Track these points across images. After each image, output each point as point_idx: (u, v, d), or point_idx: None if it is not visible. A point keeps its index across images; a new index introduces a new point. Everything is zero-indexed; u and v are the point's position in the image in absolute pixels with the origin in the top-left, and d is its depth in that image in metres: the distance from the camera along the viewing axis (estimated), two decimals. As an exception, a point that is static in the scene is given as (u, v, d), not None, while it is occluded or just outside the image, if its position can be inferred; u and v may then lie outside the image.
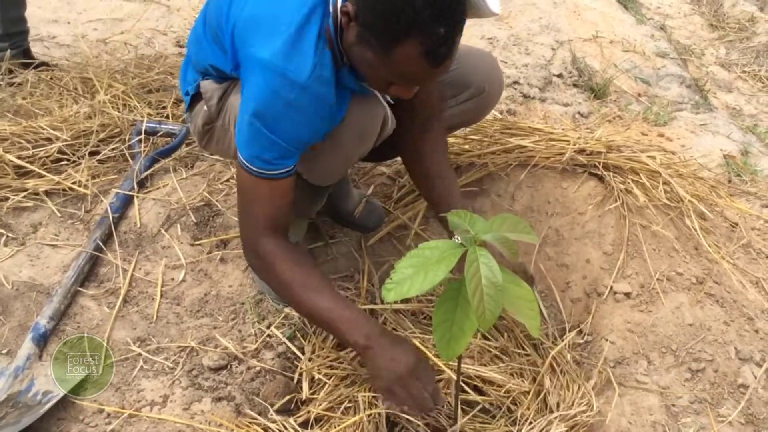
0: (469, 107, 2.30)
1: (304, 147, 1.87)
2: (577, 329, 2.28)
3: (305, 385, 2.03)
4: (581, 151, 2.58)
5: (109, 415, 1.96)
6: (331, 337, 2.13)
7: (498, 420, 2.02)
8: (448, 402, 1.99)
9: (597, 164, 2.53)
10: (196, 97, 2.17)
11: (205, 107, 2.12)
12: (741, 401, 2.10)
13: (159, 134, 2.87)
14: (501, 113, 3.28)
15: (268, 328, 2.21)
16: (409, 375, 1.88)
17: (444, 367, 2.08)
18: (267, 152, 1.82)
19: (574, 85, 3.71)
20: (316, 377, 2.05)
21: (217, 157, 2.72)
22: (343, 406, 1.97)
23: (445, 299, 1.69)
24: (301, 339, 2.17)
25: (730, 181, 2.92)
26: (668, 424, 2.01)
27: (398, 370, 1.87)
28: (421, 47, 1.62)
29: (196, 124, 2.18)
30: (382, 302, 2.25)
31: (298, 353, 2.12)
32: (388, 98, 2.05)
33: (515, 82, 3.61)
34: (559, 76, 3.78)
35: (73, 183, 2.59)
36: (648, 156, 2.56)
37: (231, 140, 2.09)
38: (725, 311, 2.28)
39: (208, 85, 2.09)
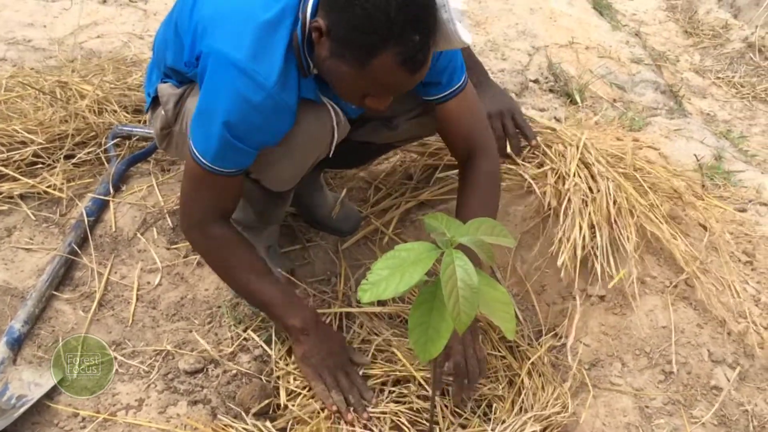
0: (425, 120, 2.24)
1: (263, 148, 1.88)
2: (553, 332, 2.29)
3: (282, 392, 2.03)
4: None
5: (84, 419, 1.95)
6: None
7: (473, 420, 2.02)
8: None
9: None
10: (155, 100, 2.17)
11: (162, 111, 2.11)
12: (714, 403, 2.12)
13: (135, 138, 2.86)
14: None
15: (244, 331, 2.21)
16: (341, 366, 2.04)
17: (415, 373, 2.09)
18: (228, 155, 1.84)
19: (551, 91, 3.73)
20: (293, 382, 2.05)
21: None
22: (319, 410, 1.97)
23: (421, 302, 1.69)
24: (279, 343, 2.17)
25: (704, 186, 2.95)
26: (642, 425, 2.03)
27: (330, 358, 2.03)
28: (397, 57, 1.63)
29: (155, 126, 2.19)
30: (359, 304, 2.26)
31: (275, 356, 2.12)
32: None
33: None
34: (536, 81, 3.79)
35: (48, 186, 2.58)
36: (620, 159, 2.59)
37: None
38: (698, 314, 2.31)
39: (166, 89, 2.09)
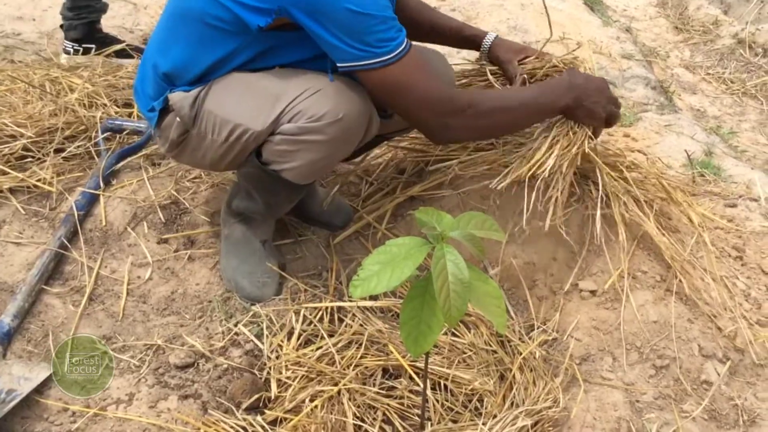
0: None
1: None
2: (544, 327, 2.30)
3: (273, 384, 2.03)
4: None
5: (74, 413, 1.94)
6: (296, 335, 2.14)
7: (464, 415, 2.02)
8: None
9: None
10: (163, 112, 2.13)
11: (177, 118, 2.08)
12: (704, 397, 2.13)
13: (125, 132, 2.85)
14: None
15: (235, 326, 2.20)
16: (608, 94, 2.23)
17: (408, 368, 2.09)
18: (391, 27, 1.88)
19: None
20: (284, 375, 2.05)
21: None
22: (312, 404, 1.97)
23: (412, 296, 1.69)
24: (270, 337, 2.16)
25: (694, 181, 2.96)
26: (632, 419, 2.03)
27: (602, 96, 2.21)
28: None
29: (168, 137, 2.14)
30: (351, 298, 2.26)
31: (266, 351, 2.12)
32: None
33: (483, 82, 3.62)
34: (528, 77, 3.79)
35: (38, 180, 2.57)
36: (613, 156, 2.59)
37: (208, 148, 2.09)
38: (689, 309, 2.31)
39: (176, 96, 2.06)
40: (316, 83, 1.97)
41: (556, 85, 2.18)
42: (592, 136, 2.25)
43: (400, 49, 1.89)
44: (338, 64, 1.92)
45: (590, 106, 2.18)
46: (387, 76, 1.91)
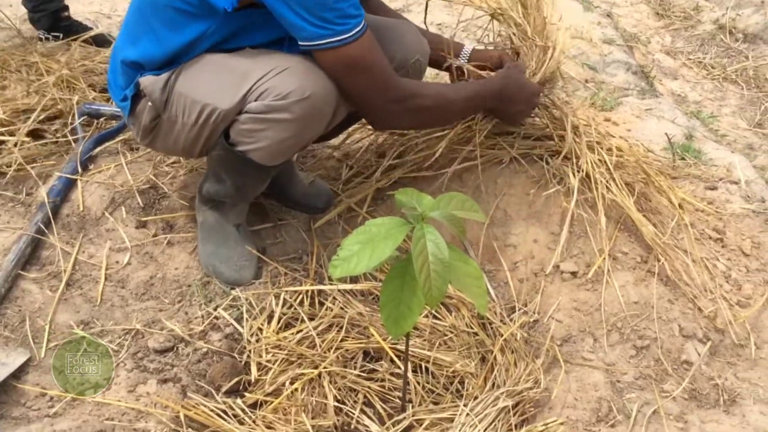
0: None
1: None
2: (525, 308, 2.29)
3: (253, 367, 2.02)
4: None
5: (51, 398, 1.93)
6: (276, 318, 2.13)
7: (445, 396, 2.02)
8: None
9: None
10: (136, 98, 2.11)
11: (149, 103, 2.07)
12: (685, 377, 2.13)
13: (103, 117, 2.82)
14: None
15: (215, 310, 2.18)
16: (538, 96, 2.40)
17: (389, 351, 2.09)
18: (343, 6, 1.85)
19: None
20: (264, 358, 2.03)
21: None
22: (292, 387, 1.96)
23: (392, 277, 1.68)
24: (250, 321, 2.15)
25: (674, 164, 2.96)
26: (613, 399, 2.03)
27: (534, 99, 2.39)
28: None
29: (141, 123, 2.12)
30: (331, 281, 2.25)
31: (246, 334, 2.10)
32: None
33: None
34: (510, 62, 3.78)
35: (13, 165, 2.53)
36: (595, 139, 2.58)
37: (179, 132, 2.07)
38: (669, 290, 2.32)
39: (147, 80, 2.04)
40: (284, 62, 1.95)
41: (489, 90, 2.26)
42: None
43: (359, 28, 1.88)
44: (300, 43, 1.90)
45: (513, 114, 2.40)
46: (343, 55, 1.90)
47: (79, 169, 2.53)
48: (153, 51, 2.03)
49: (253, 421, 1.87)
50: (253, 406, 1.94)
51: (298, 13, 1.82)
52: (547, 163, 2.50)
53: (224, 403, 1.91)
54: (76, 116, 2.76)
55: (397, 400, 2.01)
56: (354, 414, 1.97)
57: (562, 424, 1.94)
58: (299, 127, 1.97)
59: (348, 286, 2.25)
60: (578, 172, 2.41)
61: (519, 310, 2.30)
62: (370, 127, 2.60)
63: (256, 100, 1.93)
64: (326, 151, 2.76)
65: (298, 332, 2.11)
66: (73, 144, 2.67)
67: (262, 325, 2.12)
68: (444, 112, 2.22)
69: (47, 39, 3.32)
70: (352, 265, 1.57)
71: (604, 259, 2.31)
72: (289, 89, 1.90)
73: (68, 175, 2.49)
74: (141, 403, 1.91)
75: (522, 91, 2.31)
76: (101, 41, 3.36)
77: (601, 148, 2.51)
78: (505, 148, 2.53)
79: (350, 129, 2.64)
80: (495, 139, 2.56)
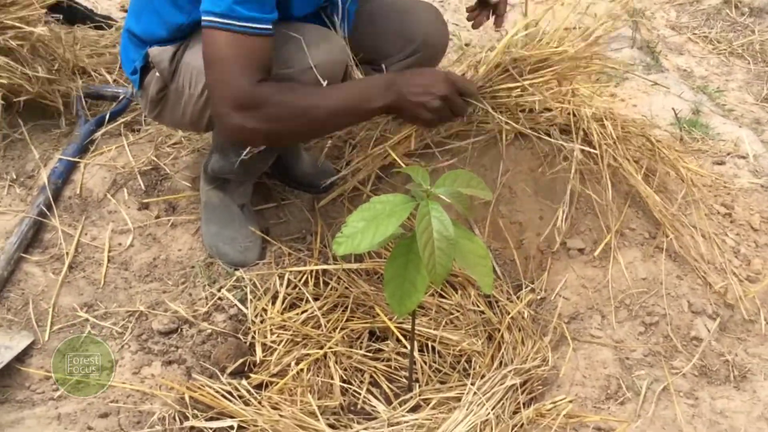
0: (413, 62, 2.26)
1: None
2: (532, 286, 2.27)
3: (258, 348, 2.00)
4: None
5: (56, 381, 1.91)
6: (281, 299, 2.11)
7: (452, 375, 2.00)
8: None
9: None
10: (145, 70, 2.09)
11: (157, 73, 2.04)
12: (694, 353, 2.11)
13: (105, 98, 2.79)
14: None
15: (219, 291, 2.17)
16: (445, 81, 1.90)
17: (395, 330, 2.07)
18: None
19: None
20: (269, 339, 2.02)
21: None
22: (297, 368, 1.95)
23: (396, 255, 1.67)
24: (254, 301, 2.13)
25: (682, 139, 2.93)
26: (622, 377, 2.01)
27: (435, 84, 1.88)
28: None
29: (149, 94, 2.09)
30: (335, 261, 2.22)
31: (250, 315, 2.08)
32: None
33: (467, 44, 3.58)
34: (512, 38, 3.75)
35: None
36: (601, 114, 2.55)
37: (186, 104, 2.04)
38: (678, 266, 2.29)
39: (156, 50, 2.02)
40: (293, 31, 1.91)
41: (372, 84, 1.92)
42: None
43: (237, 22, 1.73)
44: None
45: (412, 107, 1.89)
46: (207, 35, 1.77)
47: (80, 152, 2.51)
48: (155, 28, 2.01)
49: (259, 402, 1.85)
50: (259, 387, 1.93)
51: None
52: (553, 138, 2.46)
53: (229, 384, 1.90)
54: (78, 99, 2.73)
55: (404, 380, 2.00)
56: (360, 394, 1.96)
57: (570, 402, 1.92)
58: None
59: (353, 266, 2.22)
60: (584, 145, 2.38)
61: (526, 287, 2.28)
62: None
63: None
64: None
65: (302, 312, 2.10)
66: (74, 126, 2.65)
67: (266, 305, 2.11)
68: (313, 122, 1.88)
69: (47, 21, 3.28)
70: (356, 243, 1.56)
71: (614, 235, 2.29)
72: (296, 58, 1.86)
73: (70, 158, 2.47)
74: (146, 385, 1.90)
75: (418, 77, 1.91)
76: (100, 24, 3.33)
77: (609, 123, 2.47)
78: (509, 124, 2.49)
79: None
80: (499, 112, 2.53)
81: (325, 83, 1.87)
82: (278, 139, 1.99)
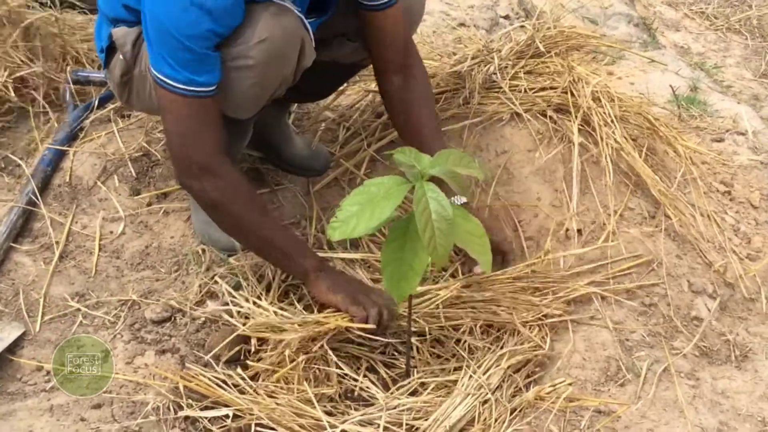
0: None
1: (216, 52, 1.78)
2: (530, 268, 2.24)
3: (253, 339, 1.97)
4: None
5: (48, 372, 1.89)
6: (275, 286, 2.08)
7: (451, 361, 1.97)
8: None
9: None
10: (110, 50, 2.05)
11: (121, 56, 2.00)
12: (695, 334, 2.09)
13: (94, 84, 2.75)
14: (448, 56, 3.20)
15: (212, 278, 2.13)
16: (364, 286, 1.99)
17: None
18: (190, 63, 1.74)
19: (521, 27, 3.64)
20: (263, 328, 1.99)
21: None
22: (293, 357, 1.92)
23: (393, 238, 1.64)
24: (248, 289, 2.10)
25: (680, 117, 2.90)
26: (622, 358, 1.99)
27: (355, 282, 1.98)
28: None
29: (114, 77, 2.06)
30: (330, 246, 2.19)
31: (243, 302, 2.05)
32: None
33: (461, 24, 3.54)
34: (506, 17, 3.71)
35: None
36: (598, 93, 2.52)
37: (151, 89, 1.98)
38: (677, 245, 2.27)
39: (120, 32, 1.98)
40: (247, 9, 1.85)
41: (301, 259, 1.96)
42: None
43: (187, 87, 1.76)
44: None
45: (335, 286, 1.94)
46: (161, 95, 1.81)
47: (70, 138, 2.48)
48: (116, 4, 1.97)
49: (254, 391, 1.82)
50: (254, 375, 1.90)
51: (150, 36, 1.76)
52: (550, 118, 2.43)
53: (224, 372, 1.87)
54: (66, 84, 2.68)
55: (402, 366, 1.97)
56: (358, 380, 1.93)
57: (570, 384, 1.90)
58: (262, 72, 1.87)
59: (349, 255, 2.19)
60: (581, 125, 2.35)
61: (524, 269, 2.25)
62: (364, 86, 2.55)
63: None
64: (323, 114, 2.69)
65: (299, 300, 2.06)
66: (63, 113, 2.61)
67: (260, 294, 2.07)
68: (234, 232, 1.99)
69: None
70: (351, 227, 1.53)
71: (615, 215, 2.26)
72: (248, 33, 1.81)
73: (58, 147, 2.43)
74: (139, 375, 1.88)
75: (348, 297, 1.91)
76: (90, 8, 3.28)
77: (607, 101, 2.44)
78: (505, 104, 2.46)
79: (344, 88, 2.58)
80: (495, 94, 2.50)
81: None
82: (216, 213, 1.97)
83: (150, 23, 1.74)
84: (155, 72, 1.77)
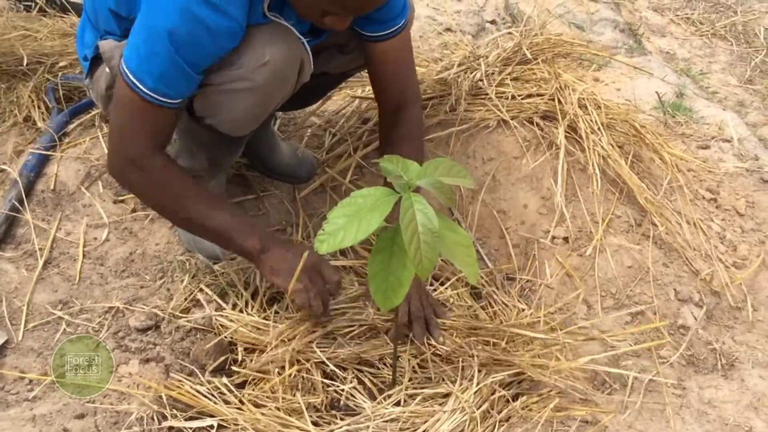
0: None
1: (200, 75, 1.77)
2: (517, 275, 2.24)
3: (239, 348, 1.96)
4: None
5: (30, 381, 1.87)
6: (261, 293, 2.06)
7: (439, 372, 1.96)
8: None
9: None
10: (95, 61, 2.02)
11: (107, 69, 1.97)
12: (682, 342, 2.09)
13: (79, 88, 2.73)
14: (435, 62, 3.20)
15: (197, 286, 2.12)
16: (311, 267, 1.89)
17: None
18: (171, 77, 1.71)
19: (509, 33, 3.64)
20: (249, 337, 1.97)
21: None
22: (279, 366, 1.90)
23: (380, 249, 1.62)
24: (233, 297, 2.08)
25: (666, 124, 2.90)
26: (609, 367, 1.98)
27: (298, 263, 1.86)
28: None
29: (99, 89, 2.03)
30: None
31: (229, 310, 2.03)
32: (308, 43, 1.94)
33: (448, 29, 3.53)
34: (492, 22, 3.71)
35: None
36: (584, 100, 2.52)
37: None
38: (664, 253, 2.27)
39: (108, 45, 1.94)
40: (248, 30, 1.85)
41: (242, 233, 1.89)
42: None
43: (138, 84, 1.72)
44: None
45: (267, 277, 1.94)
46: (119, 88, 1.79)
47: (54, 143, 2.46)
48: (105, 15, 1.94)
49: (240, 401, 1.81)
50: (240, 384, 1.89)
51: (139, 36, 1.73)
52: (537, 125, 2.43)
53: (209, 382, 1.85)
54: (50, 89, 2.66)
55: (389, 377, 1.96)
56: (345, 389, 1.91)
57: (557, 394, 1.90)
58: (263, 94, 1.87)
59: (338, 262, 2.18)
60: (568, 132, 2.35)
61: (510, 277, 2.25)
62: (351, 92, 2.53)
63: (215, 72, 1.84)
64: (310, 120, 2.68)
65: (286, 308, 2.04)
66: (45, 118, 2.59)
67: (247, 301, 2.06)
68: (174, 217, 1.98)
69: (18, 9, 3.20)
70: (339, 239, 1.51)
71: (602, 223, 2.26)
72: (248, 56, 1.81)
73: (41, 152, 2.41)
74: (123, 384, 1.85)
75: (283, 261, 1.90)
76: (78, 9, 3.25)
77: (593, 109, 2.44)
78: (492, 111, 2.46)
79: (331, 93, 2.57)
80: (482, 100, 2.49)
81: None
82: (145, 204, 2.06)
83: (145, 29, 1.70)
84: (125, 66, 1.73)
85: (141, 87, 1.72)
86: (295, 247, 1.96)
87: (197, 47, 1.69)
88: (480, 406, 1.80)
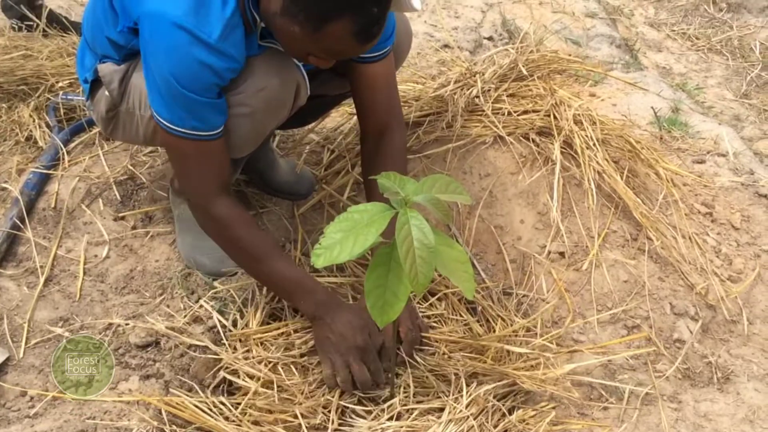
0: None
1: (222, 98, 1.81)
2: (513, 290, 2.25)
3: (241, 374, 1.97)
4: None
5: (32, 398, 1.88)
6: (260, 309, 2.08)
7: (435, 387, 1.97)
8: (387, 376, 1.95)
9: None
10: (95, 84, 2.06)
11: (107, 92, 2.01)
12: (678, 356, 2.10)
13: (77, 107, 2.75)
14: (432, 79, 3.23)
15: (197, 302, 2.13)
16: (354, 351, 1.90)
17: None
18: (196, 112, 1.76)
19: (505, 50, 3.67)
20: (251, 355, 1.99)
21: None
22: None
23: (377, 264, 1.64)
24: (235, 314, 2.10)
25: (661, 139, 2.92)
26: (605, 381, 2.00)
27: (343, 345, 1.90)
28: (353, 26, 1.59)
29: (99, 111, 2.07)
30: (315, 270, 2.19)
31: (230, 326, 2.05)
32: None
33: (445, 46, 3.56)
34: (490, 38, 3.74)
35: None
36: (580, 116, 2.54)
37: (138, 125, 2.03)
38: (660, 267, 2.28)
39: (107, 68, 1.98)
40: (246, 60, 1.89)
41: (306, 295, 1.96)
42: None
43: (190, 131, 1.79)
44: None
45: (320, 346, 1.96)
46: (164, 138, 1.84)
47: (55, 162, 2.48)
48: (102, 40, 1.96)
49: (239, 418, 1.82)
50: (240, 404, 1.90)
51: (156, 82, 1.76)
52: (533, 141, 2.45)
53: (209, 398, 1.87)
54: (51, 108, 2.69)
55: (386, 393, 1.97)
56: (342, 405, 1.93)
57: (554, 408, 1.91)
58: (259, 119, 1.91)
59: (334, 280, 2.19)
60: (563, 148, 2.37)
61: (507, 292, 2.26)
62: (349, 109, 2.56)
63: None
64: (308, 137, 2.70)
65: (285, 326, 2.06)
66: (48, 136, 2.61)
67: (247, 317, 2.07)
68: (244, 265, 2.06)
69: (20, 28, 3.24)
70: (335, 254, 1.53)
71: (598, 238, 2.27)
72: (245, 83, 1.84)
73: (42, 170, 2.43)
74: (123, 401, 1.87)
75: (342, 334, 1.92)
76: (79, 28, 3.28)
77: (589, 124, 2.46)
78: (488, 127, 2.48)
79: (329, 113, 2.60)
80: (479, 117, 2.52)
81: None
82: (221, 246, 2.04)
83: (155, 74, 1.74)
84: (157, 115, 1.79)
85: (181, 129, 1.78)
86: (346, 322, 1.94)
87: (205, 82, 1.74)
88: (476, 417, 1.81)
